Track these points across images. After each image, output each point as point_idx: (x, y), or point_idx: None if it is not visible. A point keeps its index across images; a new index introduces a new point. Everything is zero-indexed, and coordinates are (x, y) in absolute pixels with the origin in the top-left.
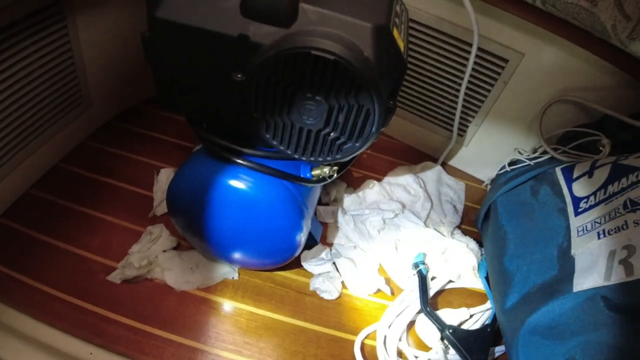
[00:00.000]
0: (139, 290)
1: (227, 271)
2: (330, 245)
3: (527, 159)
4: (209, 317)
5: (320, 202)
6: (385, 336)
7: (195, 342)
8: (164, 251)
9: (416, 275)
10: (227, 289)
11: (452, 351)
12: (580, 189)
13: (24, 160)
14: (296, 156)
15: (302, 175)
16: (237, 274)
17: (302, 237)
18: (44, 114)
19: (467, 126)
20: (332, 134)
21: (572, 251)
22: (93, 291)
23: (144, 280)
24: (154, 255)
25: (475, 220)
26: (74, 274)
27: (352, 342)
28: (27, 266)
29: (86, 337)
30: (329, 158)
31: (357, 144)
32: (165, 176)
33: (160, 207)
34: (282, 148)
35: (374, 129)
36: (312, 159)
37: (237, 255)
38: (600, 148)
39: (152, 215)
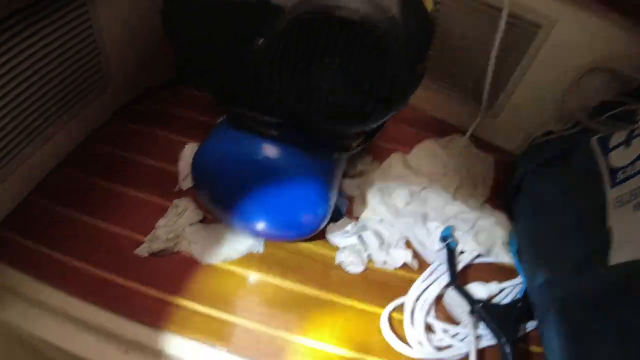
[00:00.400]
0: (166, 263)
1: (252, 244)
2: (356, 218)
3: (560, 129)
4: (236, 289)
5: (345, 176)
6: (412, 310)
7: (222, 314)
8: (190, 225)
9: (444, 249)
10: (252, 261)
11: (481, 325)
12: (617, 159)
13: (51, 139)
14: (320, 125)
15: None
16: (262, 247)
17: (328, 209)
18: (68, 92)
19: (497, 96)
20: (357, 101)
21: (609, 223)
22: (121, 265)
23: (171, 253)
24: (180, 229)
25: (505, 194)
26: (102, 249)
27: (378, 315)
28: (56, 242)
29: (115, 309)
30: (354, 127)
31: (383, 112)
32: (189, 151)
33: (186, 181)
34: (304, 117)
35: (401, 96)
36: (336, 127)
37: (262, 227)
38: (637, 118)
39: (178, 189)
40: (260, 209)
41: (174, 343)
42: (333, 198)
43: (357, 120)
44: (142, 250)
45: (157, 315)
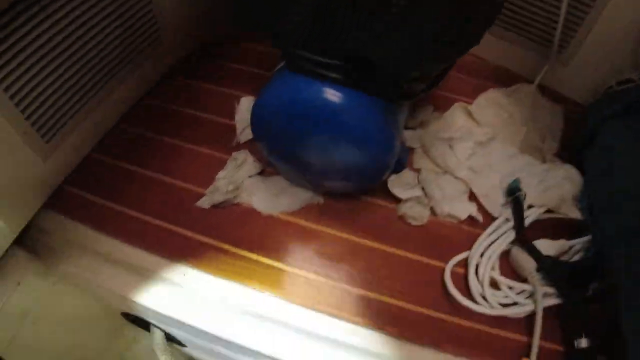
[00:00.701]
0: (227, 214)
1: (311, 195)
2: (417, 170)
3: (638, 77)
4: (296, 240)
5: (405, 127)
6: (477, 265)
7: (282, 264)
8: (250, 177)
9: (511, 203)
10: (312, 213)
11: (548, 283)
12: None
13: (109, 96)
14: (386, 67)
15: None
16: (322, 199)
17: (392, 158)
18: (124, 48)
19: (568, 42)
20: (427, 38)
21: None
22: (184, 217)
23: (231, 205)
24: (240, 181)
25: (576, 146)
26: (165, 202)
27: (441, 269)
28: (119, 196)
29: (179, 259)
30: (422, 68)
31: (455, 49)
32: (245, 104)
33: (243, 134)
34: (371, 56)
35: (476, 30)
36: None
37: (324, 177)
38: None
39: (236, 143)
40: (323, 158)
41: (235, 292)
42: (397, 147)
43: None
44: (204, 202)
45: (220, 266)
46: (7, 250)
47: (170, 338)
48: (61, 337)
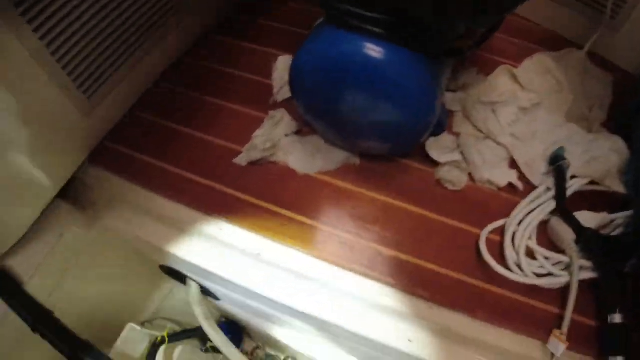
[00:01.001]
0: (264, 172)
1: (348, 156)
2: (457, 134)
3: None
4: (331, 200)
5: (446, 89)
6: (514, 233)
7: (317, 223)
8: (287, 135)
9: (553, 172)
10: (348, 173)
11: (586, 256)
12: None
13: (148, 55)
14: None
15: None
16: (358, 160)
17: (432, 118)
18: (163, 5)
19: (621, 6)
20: None
21: None
22: (222, 174)
23: (268, 163)
24: (277, 139)
25: (624, 117)
26: (203, 159)
27: (476, 235)
28: (159, 152)
29: (216, 214)
30: (469, 20)
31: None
32: (282, 63)
33: (280, 93)
34: (417, 9)
35: None
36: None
37: (361, 137)
38: None
39: (273, 102)
40: (360, 117)
41: (269, 248)
42: (438, 107)
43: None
44: (241, 159)
45: (256, 222)
46: (51, 203)
47: (205, 291)
48: (101, 288)
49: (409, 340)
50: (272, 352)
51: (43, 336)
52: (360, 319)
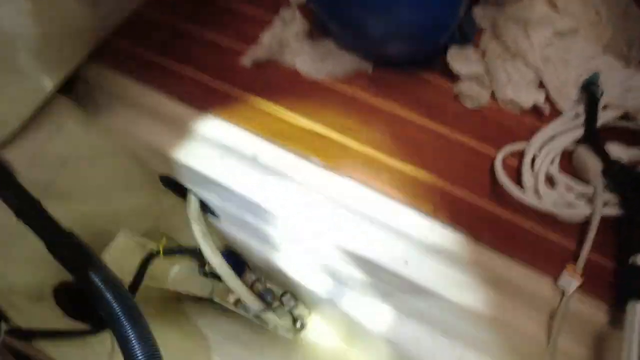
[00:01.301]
0: (271, 74)
1: (359, 61)
2: (484, 52)
3: None
4: (339, 107)
5: (477, 2)
6: (534, 156)
7: (321, 128)
8: (296, 36)
9: (585, 97)
10: (359, 81)
11: (612, 190)
12: None
13: None
14: None
15: None
16: (370, 67)
17: (453, 16)
18: None
19: None
20: None
21: None
22: (227, 73)
23: (275, 65)
24: (285, 40)
25: None
26: (210, 58)
27: (492, 157)
28: (165, 50)
29: (218, 114)
30: None
31: None
32: None
33: None
34: None
35: None
36: None
37: (376, 35)
38: None
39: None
40: (376, 10)
41: (273, 154)
42: (461, 11)
43: None
44: (247, 59)
45: (258, 124)
46: (51, 98)
47: (204, 209)
48: (98, 192)
49: (405, 262)
50: (272, 287)
51: (26, 223)
52: (359, 235)
